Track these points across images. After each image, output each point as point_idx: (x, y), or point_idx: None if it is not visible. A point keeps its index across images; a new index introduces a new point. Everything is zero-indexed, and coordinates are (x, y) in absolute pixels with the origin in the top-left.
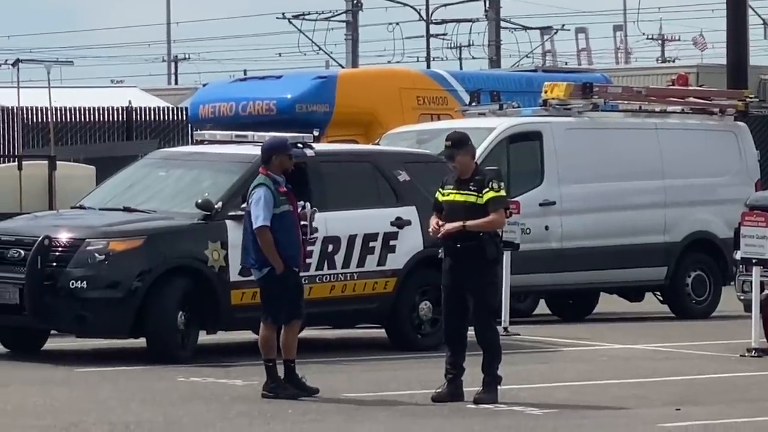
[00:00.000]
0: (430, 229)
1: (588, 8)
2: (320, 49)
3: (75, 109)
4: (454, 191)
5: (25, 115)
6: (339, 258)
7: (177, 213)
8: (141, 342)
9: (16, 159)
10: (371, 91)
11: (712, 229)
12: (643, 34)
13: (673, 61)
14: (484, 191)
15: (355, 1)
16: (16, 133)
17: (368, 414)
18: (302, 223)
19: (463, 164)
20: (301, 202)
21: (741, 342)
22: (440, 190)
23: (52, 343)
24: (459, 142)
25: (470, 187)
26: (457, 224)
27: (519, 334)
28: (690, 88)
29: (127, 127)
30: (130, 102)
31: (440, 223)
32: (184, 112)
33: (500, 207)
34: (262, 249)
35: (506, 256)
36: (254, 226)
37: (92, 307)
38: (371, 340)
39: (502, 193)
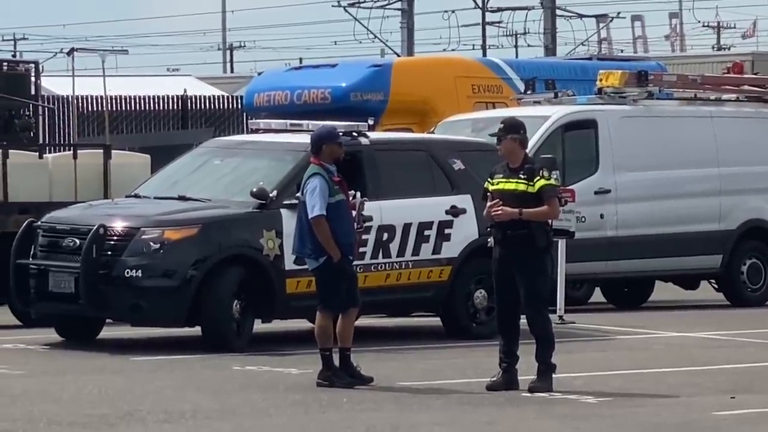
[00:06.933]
0: (485, 211)
1: None
2: (375, 37)
3: (130, 97)
4: (504, 180)
5: (80, 104)
6: (394, 246)
7: (232, 202)
8: (196, 331)
9: (72, 148)
10: (426, 80)
11: (767, 217)
12: (699, 21)
13: (728, 49)
14: (535, 179)
15: None
16: (71, 122)
17: (424, 402)
18: (352, 212)
19: (508, 149)
20: (351, 192)
21: None
22: (489, 179)
23: (107, 332)
24: (510, 127)
25: (520, 175)
26: (515, 210)
27: (574, 323)
28: (745, 76)
29: (182, 115)
30: (185, 90)
31: (499, 202)
32: (239, 101)
33: (553, 196)
34: (318, 238)
35: (561, 244)
36: (310, 216)
37: (147, 295)
38: (426, 328)
39: (553, 181)
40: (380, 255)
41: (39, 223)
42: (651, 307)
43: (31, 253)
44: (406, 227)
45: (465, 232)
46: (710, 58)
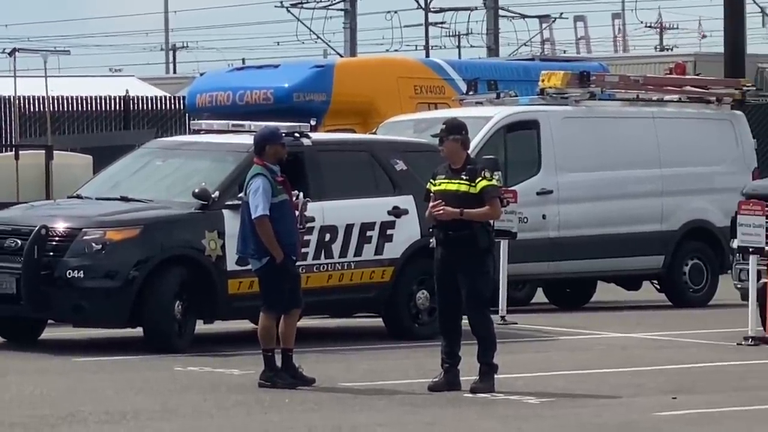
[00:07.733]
0: (427, 212)
1: None
2: (318, 37)
3: (72, 98)
4: (446, 180)
5: (21, 105)
6: (336, 247)
7: (174, 202)
8: (138, 331)
9: (13, 148)
10: (369, 80)
11: (709, 218)
12: (642, 22)
13: (671, 50)
14: (477, 180)
15: None
16: (12, 122)
17: (365, 403)
18: (295, 212)
19: (449, 150)
20: (294, 192)
21: (738, 330)
22: (431, 180)
23: (49, 333)
24: (452, 128)
25: (462, 176)
26: (456, 210)
27: (516, 323)
28: (687, 76)
29: (124, 116)
30: (127, 91)
31: (442, 202)
32: (181, 102)
33: (495, 197)
34: (261, 239)
35: (504, 245)
36: (253, 216)
37: (89, 296)
38: (369, 329)
39: (495, 182)
40: (322, 256)
41: None
42: (593, 307)
43: None
44: (349, 228)
45: (407, 232)
46: (653, 58)
